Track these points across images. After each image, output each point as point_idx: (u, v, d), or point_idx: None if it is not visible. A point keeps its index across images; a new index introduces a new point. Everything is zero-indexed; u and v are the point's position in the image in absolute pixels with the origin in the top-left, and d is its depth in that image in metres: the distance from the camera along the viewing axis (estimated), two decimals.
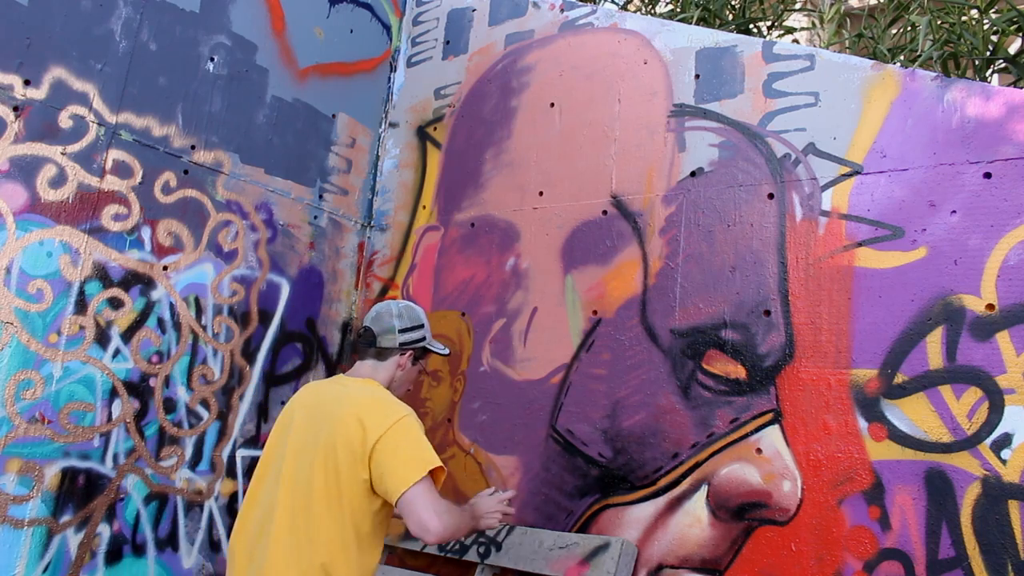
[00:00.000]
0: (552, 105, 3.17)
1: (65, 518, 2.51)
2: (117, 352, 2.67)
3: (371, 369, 2.20)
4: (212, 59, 3.04)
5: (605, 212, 2.92)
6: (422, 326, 2.26)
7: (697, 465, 2.52)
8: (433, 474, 1.97)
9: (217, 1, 3.06)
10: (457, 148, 3.47)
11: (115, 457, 2.65)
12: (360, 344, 2.24)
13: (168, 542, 2.79)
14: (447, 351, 2.37)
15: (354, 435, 1.95)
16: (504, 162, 3.27)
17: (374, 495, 1.97)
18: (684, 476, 2.53)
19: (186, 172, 2.93)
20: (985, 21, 3.49)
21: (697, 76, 2.82)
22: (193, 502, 2.88)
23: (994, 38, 3.50)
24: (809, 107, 2.55)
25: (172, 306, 2.85)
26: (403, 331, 2.21)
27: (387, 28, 3.81)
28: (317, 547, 1.91)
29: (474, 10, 3.57)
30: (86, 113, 2.64)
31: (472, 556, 2.77)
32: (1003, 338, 2.10)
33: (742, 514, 2.41)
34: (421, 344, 2.25)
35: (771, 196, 2.57)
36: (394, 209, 3.62)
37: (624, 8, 4.89)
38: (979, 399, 2.10)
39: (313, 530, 1.92)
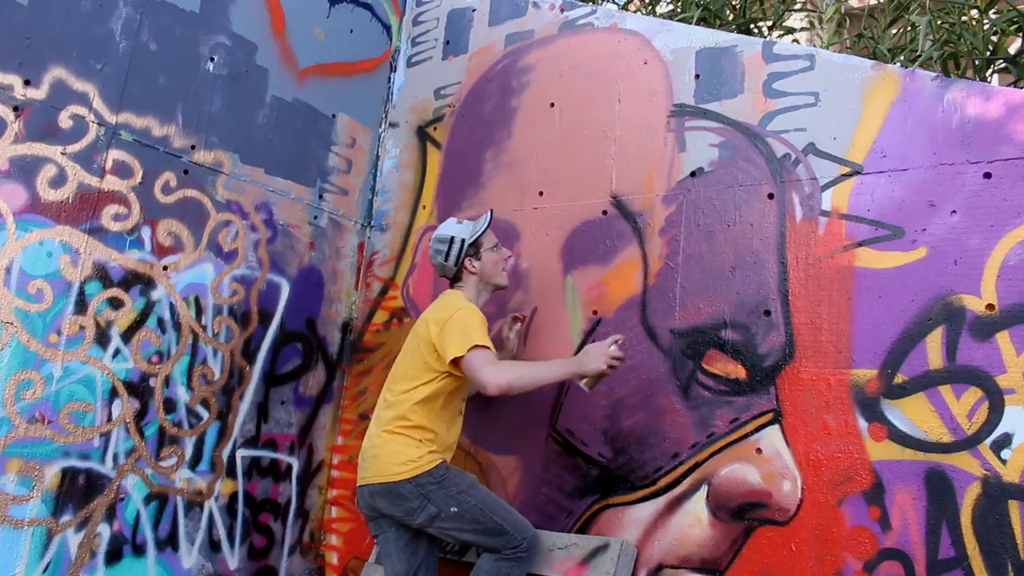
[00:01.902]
0: (552, 105, 3.18)
1: (65, 518, 2.51)
2: (117, 352, 2.67)
3: (459, 287, 2.68)
4: (212, 59, 3.04)
5: (605, 212, 2.92)
6: (452, 238, 2.62)
7: (697, 465, 2.52)
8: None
9: (217, 1, 3.06)
10: (457, 148, 3.47)
11: (115, 457, 2.65)
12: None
13: (168, 542, 2.79)
14: (485, 221, 2.68)
15: (425, 330, 2.51)
16: (504, 162, 3.27)
17: (437, 372, 2.47)
18: (684, 476, 2.53)
19: (186, 172, 2.93)
20: (985, 21, 3.49)
21: (697, 76, 2.82)
22: (193, 502, 2.88)
23: (994, 38, 3.50)
24: (809, 107, 2.55)
25: (172, 306, 2.85)
26: (446, 259, 2.63)
27: (387, 28, 3.81)
28: (393, 410, 2.48)
29: (474, 10, 3.57)
30: (86, 113, 2.64)
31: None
32: (1003, 338, 2.10)
33: (742, 514, 2.41)
34: (466, 249, 2.63)
35: (771, 196, 2.57)
36: (394, 209, 3.62)
37: (624, 8, 4.89)
38: (979, 399, 2.10)
39: (392, 400, 2.51)
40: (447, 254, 2.63)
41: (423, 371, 2.49)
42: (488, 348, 2.41)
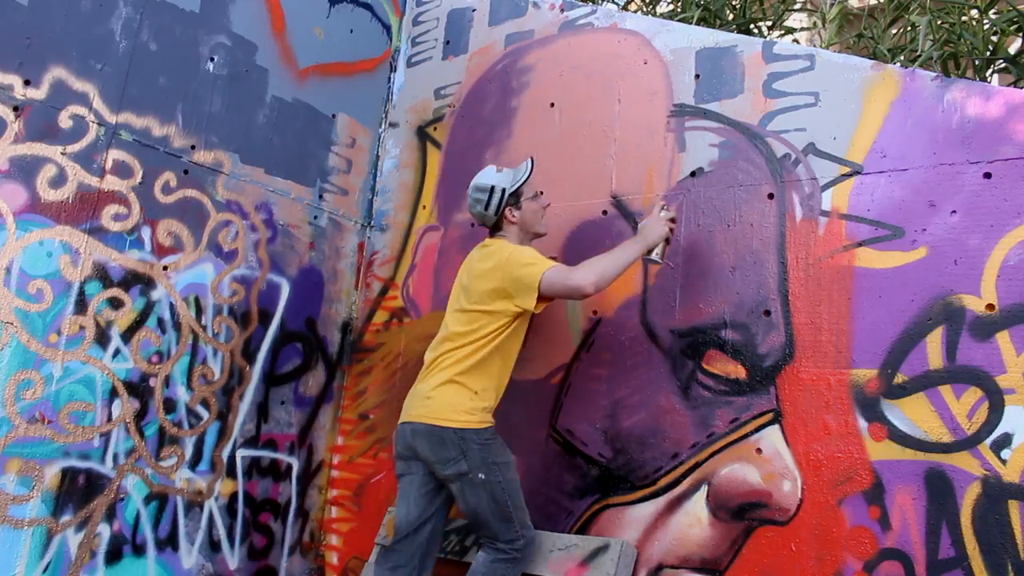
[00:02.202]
0: (552, 105, 3.17)
1: (65, 518, 2.51)
2: (117, 352, 2.67)
3: (500, 236, 2.65)
4: (212, 59, 3.04)
5: (605, 212, 2.92)
6: (492, 187, 2.59)
7: (697, 465, 2.52)
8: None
9: (217, 1, 3.06)
10: (457, 148, 3.47)
11: (115, 457, 2.65)
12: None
13: (168, 542, 2.79)
14: (526, 170, 2.64)
15: (481, 282, 2.51)
16: (504, 162, 3.26)
17: (499, 319, 2.48)
18: (684, 476, 2.53)
19: (186, 172, 2.94)
20: (985, 21, 3.49)
21: (697, 76, 2.82)
22: (193, 502, 2.88)
23: (994, 38, 3.50)
24: (809, 107, 2.55)
25: (172, 306, 2.85)
26: (486, 208, 2.61)
27: (387, 28, 3.81)
28: (451, 359, 2.49)
29: (474, 10, 3.57)
30: (86, 113, 2.64)
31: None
32: (1003, 338, 2.10)
33: (742, 514, 2.41)
34: (507, 198, 2.60)
35: (771, 196, 2.57)
36: (394, 209, 3.62)
37: (625, 8, 4.89)
38: (979, 399, 2.10)
39: (447, 351, 2.51)
40: (487, 203, 2.59)
41: (481, 321, 2.48)
42: (555, 263, 2.45)
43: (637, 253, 2.48)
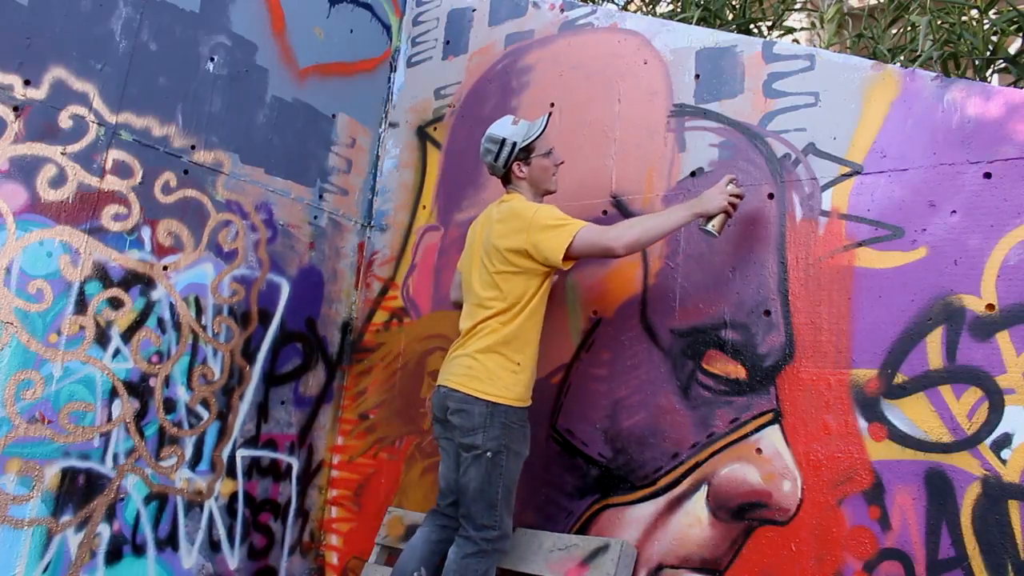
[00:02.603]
0: (552, 105, 3.17)
1: (65, 518, 2.51)
2: (117, 352, 2.67)
3: (511, 189, 2.64)
4: (212, 59, 3.04)
5: (605, 212, 2.92)
6: (504, 139, 2.56)
7: (697, 465, 2.52)
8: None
9: (217, 1, 3.06)
10: (457, 148, 3.47)
11: (115, 457, 2.65)
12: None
13: (168, 542, 2.79)
14: (541, 125, 2.61)
15: (503, 240, 2.48)
16: None
17: (530, 275, 2.47)
18: (684, 476, 2.53)
19: (186, 172, 2.94)
20: (985, 21, 3.49)
21: (697, 76, 2.82)
22: (193, 502, 2.88)
23: (994, 38, 3.50)
24: (809, 107, 2.55)
25: (172, 306, 2.85)
26: (496, 159, 2.59)
27: (387, 28, 3.82)
28: (485, 328, 2.48)
29: (474, 10, 3.57)
30: (86, 113, 2.64)
31: None
32: (1003, 338, 2.09)
33: (742, 514, 2.41)
34: (517, 152, 2.57)
35: (771, 196, 2.57)
36: (394, 209, 3.62)
37: (625, 8, 4.89)
38: (979, 399, 2.10)
39: (483, 315, 2.49)
40: (496, 155, 2.58)
41: (512, 283, 2.46)
42: (587, 223, 2.42)
43: (682, 220, 2.41)
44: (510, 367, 2.44)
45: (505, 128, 2.59)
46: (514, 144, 2.56)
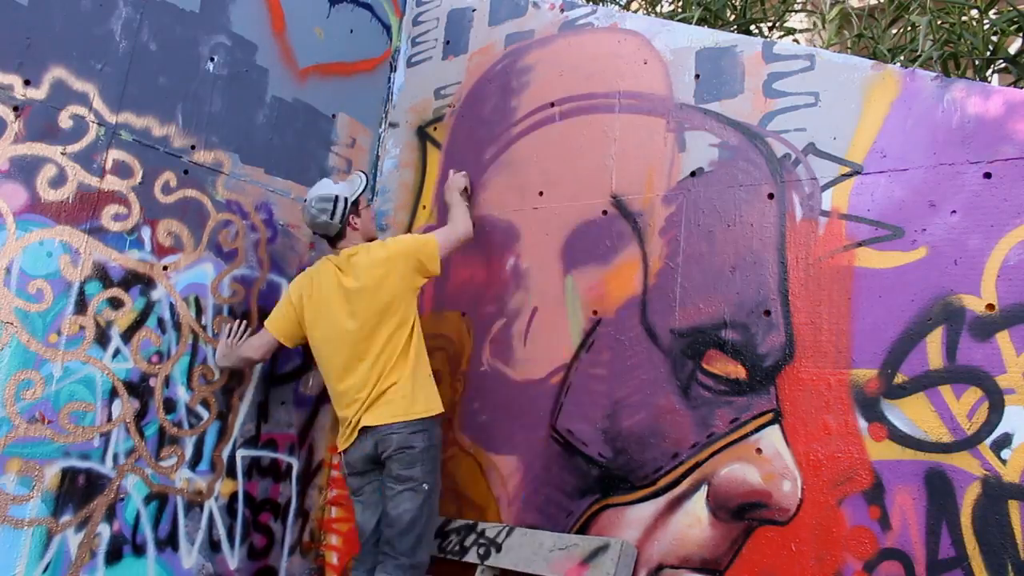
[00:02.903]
0: (552, 105, 3.17)
1: (65, 518, 2.51)
2: (117, 352, 2.67)
3: (344, 243, 2.84)
4: (212, 59, 3.04)
5: (605, 212, 2.92)
6: (336, 196, 2.79)
7: (697, 465, 2.52)
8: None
9: (217, 1, 3.06)
10: (457, 148, 3.47)
11: (115, 457, 2.65)
12: (327, 239, 2.88)
13: (168, 542, 2.79)
14: (361, 182, 2.94)
15: (381, 275, 2.74)
16: (504, 162, 3.27)
17: (405, 302, 2.77)
18: (684, 476, 2.53)
19: (186, 172, 2.94)
20: (985, 21, 3.49)
21: (697, 76, 2.82)
22: (193, 502, 2.88)
23: (994, 38, 3.50)
24: (809, 107, 2.55)
25: (172, 306, 2.85)
26: (332, 216, 2.78)
27: (387, 28, 3.81)
28: (383, 369, 2.70)
29: (474, 10, 3.57)
30: (86, 113, 2.64)
31: (472, 557, 2.77)
32: (1003, 338, 2.10)
33: (742, 514, 2.41)
34: (349, 205, 2.82)
35: (771, 196, 2.57)
36: (394, 209, 3.62)
37: (626, 8, 4.89)
38: (979, 399, 2.10)
39: (382, 346, 2.73)
40: (332, 212, 2.77)
41: (408, 309, 2.75)
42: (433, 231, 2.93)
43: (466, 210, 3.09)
44: (428, 378, 2.76)
45: (331, 188, 2.83)
46: (346, 199, 2.80)
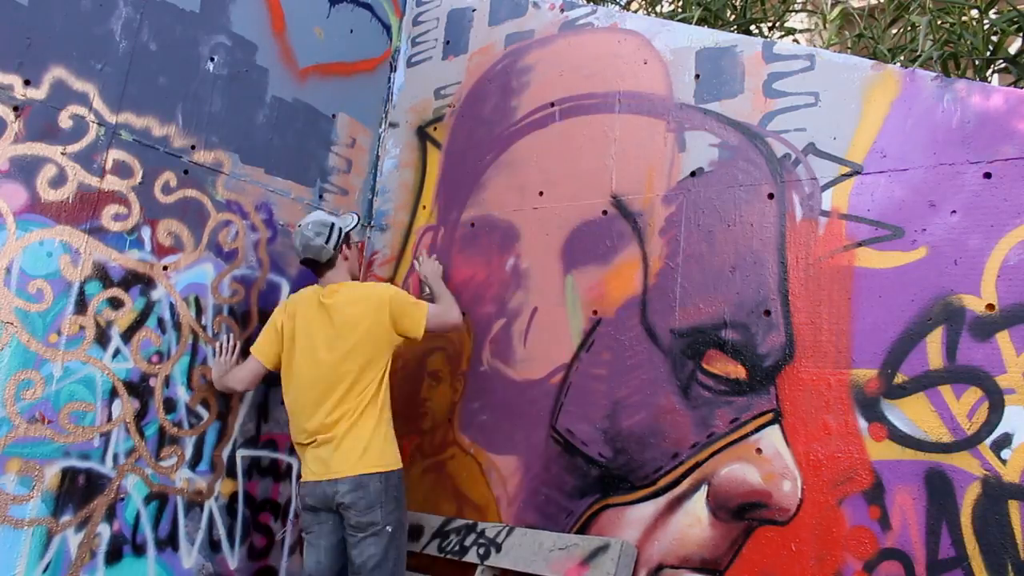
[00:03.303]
0: (552, 105, 3.17)
1: (65, 518, 2.51)
2: (117, 352, 2.67)
3: (332, 273, 2.83)
4: (212, 59, 3.04)
5: (605, 212, 2.92)
6: (333, 224, 2.81)
7: (697, 465, 2.52)
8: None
9: (217, 1, 3.06)
10: (457, 148, 3.47)
11: (115, 457, 2.65)
12: (314, 268, 2.84)
13: (168, 542, 2.79)
14: (354, 218, 2.98)
15: (360, 320, 2.73)
16: (504, 162, 3.27)
17: (387, 351, 2.79)
18: (684, 476, 2.53)
19: (186, 172, 2.94)
20: (985, 21, 3.49)
21: (697, 76, 2.82)
22: (193, 502, 2.88)
23: (994, 38, 3.50)
24: (809, 107, 2.55)
25: (172, 306, 2.85)
26: (327, 241, 2.77)
27: (387, 28, 3.81)
28: (353, 402, 2.69)
29: (474, 10, 3.57)
30: (86, 113, 2.64)
31: (472, 557, 2.77)
32: (1003, 338, 2.10)
33: (742, 514, 2.41)
34: (344, 235, 2.85)
35: (771, 196, 2.57)
36: (394, 209, 3.62)
37: (626, 8, 4.89)
38: (979, 399, 2.10)
39: (347, 393, 2.70)
40: (328, 237, 2.78)
41: (381, 355, 2.73)
42: (428, 304, 2.86)
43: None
44: (391, 435, 2.71)
45: (328, 216, 2.87)
46: (341, 229, 2.83)
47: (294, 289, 3.29)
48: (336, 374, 2.65)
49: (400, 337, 2.77)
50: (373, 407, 2.67)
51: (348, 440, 2.60)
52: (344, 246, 2.85)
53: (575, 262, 2.95)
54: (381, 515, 2.54)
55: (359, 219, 3.01)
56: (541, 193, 3.11)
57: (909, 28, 4.01)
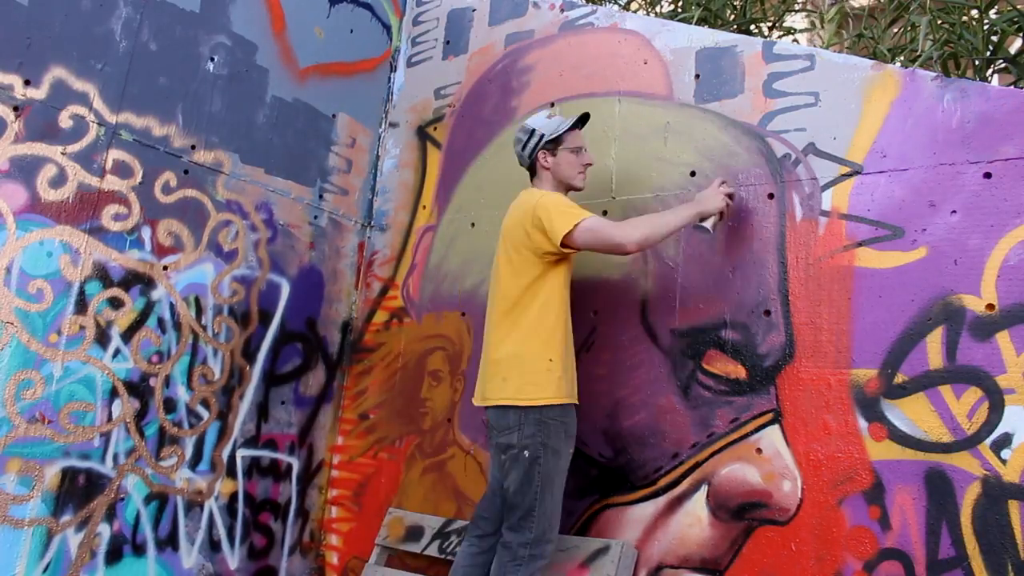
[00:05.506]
0: (552, 105, 3.17)
1: (65, 518, 2.51)
2: (117, 352, 2.67)
3: (536, 182, 2.63)
4: (212, 59, 3.04)
5: (605, 212, 2.92)
6: (533, 130, 2.58)
7: (697, 465, 2.52)
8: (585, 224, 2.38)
9: (217, 1, 3.06)
10: (457, 148, 3.47)
11: (115, 457, 2.65)
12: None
13: (168, 542, 2.79)
14: (571, 121, 2.61)
15: (516, 230, 2.47)
16: (506, 162, 3.26)
17: (545, 261, 2.43)
18: (684, 476, 2.53)
19: (186, 172, 2.94)
20: (985, 21, 3.49)
21: (697, 76, 2.82)
22: (193, 502, 2.88)
23: (994, 38, 3.50)
24: (809, 107, 2.55)
25: (172, 306, 2.85)
26: (523, 148, 2.59)
27: (387, 28, 3.82)
28: (505, 325, 2.46)
29: (474, 10, 3.57)
30: (86, 113, 2.64)
31: None
32: (1003, 338, 2.09)
33: (742, 514, 2.41)
34: (544, 143, 2.57)
35: (771, 196, 2.57)
36: (394, 209, 3.62)
37: (626, 8, 4.89)
38: (979, 399, 2.10)
39: (505, 313, 2.46)
40: (525, 144, 2.59)
41: (531, 269, 2.42)
42: (594, 215, 2.40)
43: (688, 219, 2.44)
44: (543, 367, 2.37)
45: (538, 120, 2.61)
46: (542, 135, 2.56)
47: (294, 289, 3.30)
48: (498, 280, 2.50)
49: (551, 252, 2.39)
50: (531, 330, 2.39)
51: (491, 368, 2.44)
52: (544, 153, 2.57)
53: (575, 261, 2.94)
54: (518, 437, 2.32)
55: (575, 120, 2.61)
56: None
57: (909, 28, 4.01)
